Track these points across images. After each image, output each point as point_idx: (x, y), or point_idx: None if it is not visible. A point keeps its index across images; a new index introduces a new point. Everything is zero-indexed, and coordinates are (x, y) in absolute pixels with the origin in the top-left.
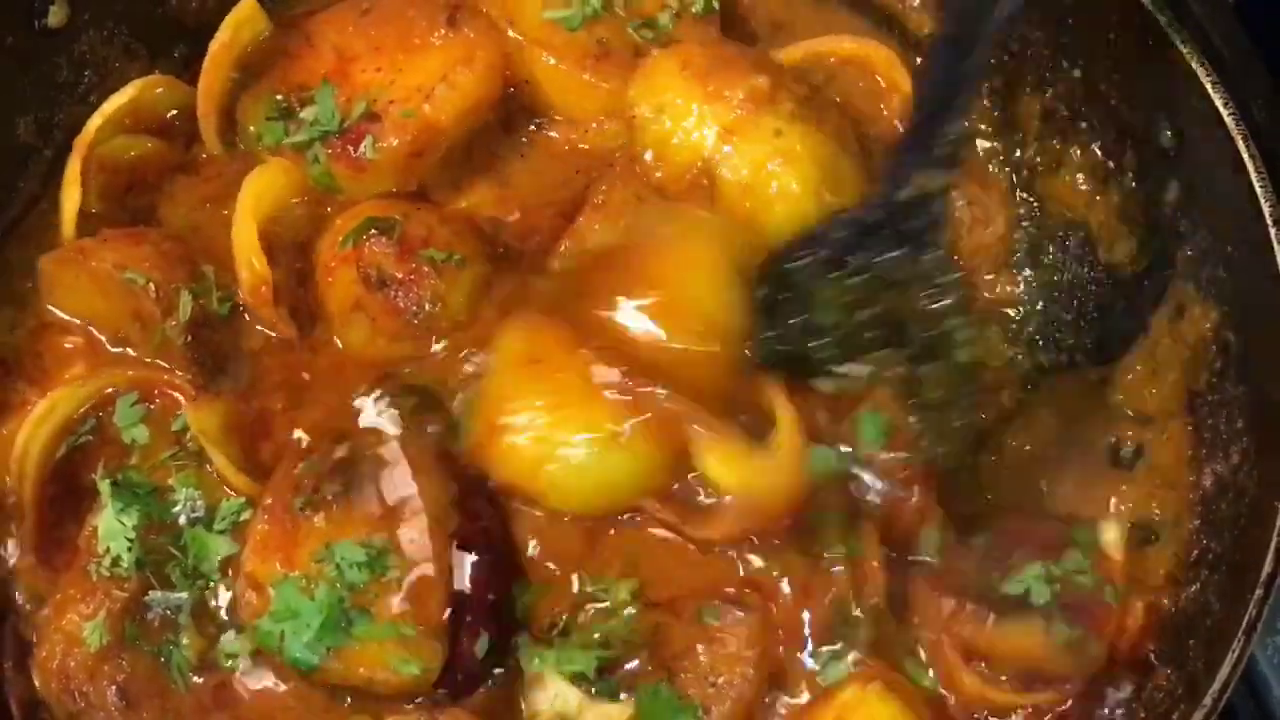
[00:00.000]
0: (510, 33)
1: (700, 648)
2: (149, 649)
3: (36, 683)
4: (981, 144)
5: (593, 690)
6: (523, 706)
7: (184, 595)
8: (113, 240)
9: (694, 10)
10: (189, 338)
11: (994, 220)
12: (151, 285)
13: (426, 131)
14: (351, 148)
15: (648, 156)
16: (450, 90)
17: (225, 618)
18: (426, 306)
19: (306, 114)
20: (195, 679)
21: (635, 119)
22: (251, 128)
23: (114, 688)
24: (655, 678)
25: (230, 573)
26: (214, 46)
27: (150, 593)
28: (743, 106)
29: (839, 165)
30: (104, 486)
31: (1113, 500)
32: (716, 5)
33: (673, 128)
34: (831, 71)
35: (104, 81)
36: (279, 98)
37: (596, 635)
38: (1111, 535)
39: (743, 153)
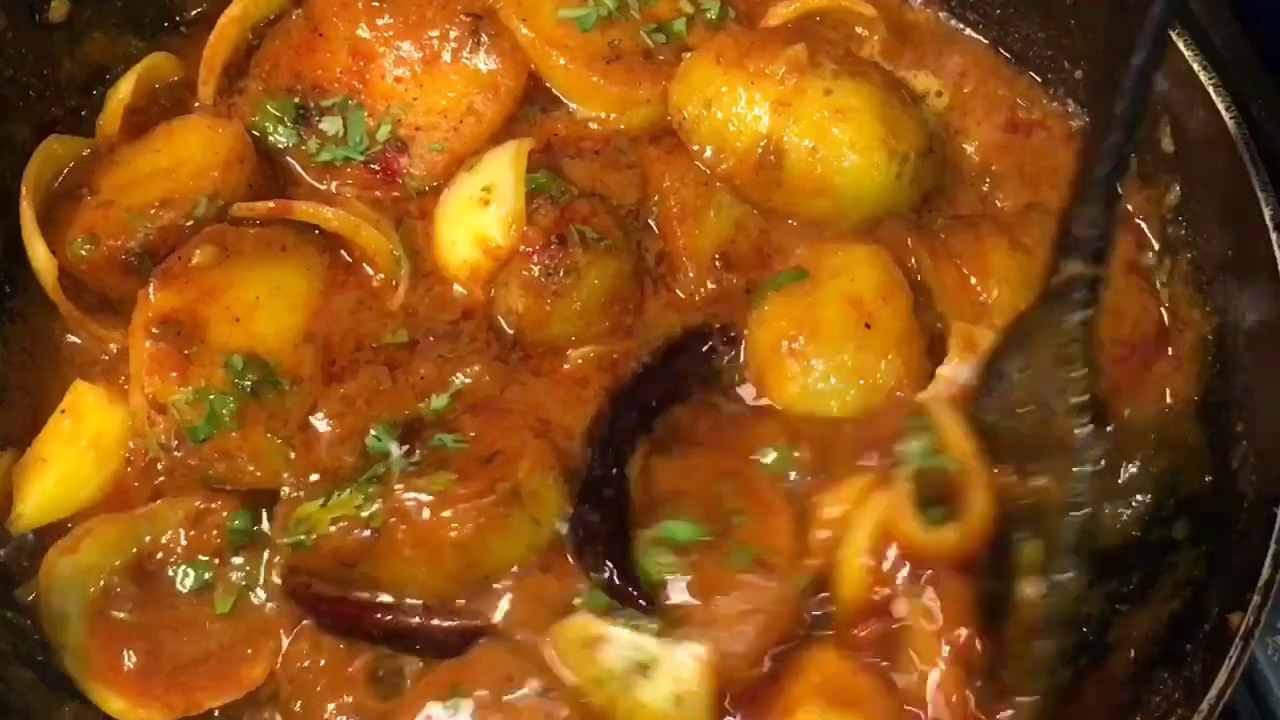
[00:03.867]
0: (524, 30)
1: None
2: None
3: None
4: None
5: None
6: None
7: None
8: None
9: (709, 16)
10: None
11: None
12: None
13: (452, 163)
14: (380, 175)
15: (708, 152)
16: (477, 123)
17: None
18: (562, 274)
19: (327, 126)
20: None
21: (685, 120)
22: (257, 119)
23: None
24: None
25: None
26: (224, 19)
27: None
28: (787, 77)
29: (895, 113)
30: None
31: None
32: (731, 14)
33: (725, 118)
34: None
35: (104, 76)
36: (296, 101)
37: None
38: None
39: (800, 119)
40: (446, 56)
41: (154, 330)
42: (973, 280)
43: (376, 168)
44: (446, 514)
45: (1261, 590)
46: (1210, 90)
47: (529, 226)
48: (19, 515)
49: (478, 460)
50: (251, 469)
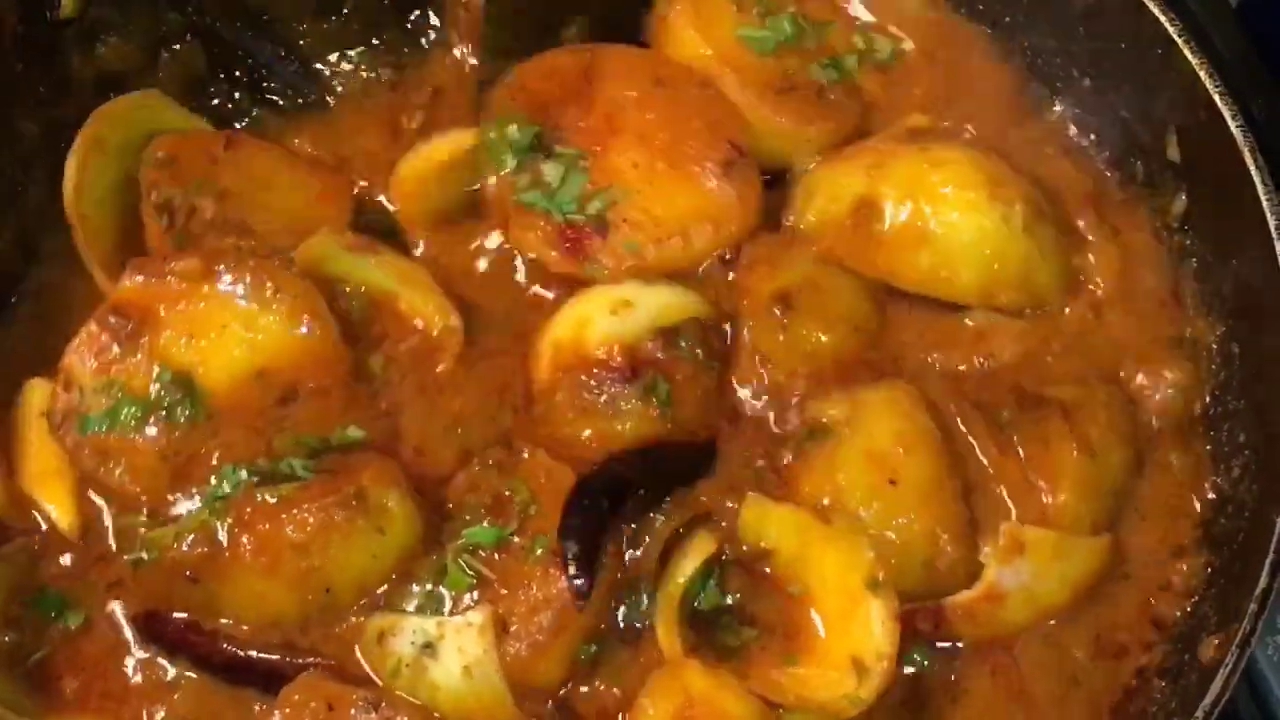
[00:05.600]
0: (702, 49)
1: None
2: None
3: None
4: None
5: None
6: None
7: None
8: None
9: (878, 57)
10: None
11: None
12: None
13: (637, 269)
14: (568, 246)
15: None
16: (682, 247)
17: None
18: (602, 401)
19: (547, 170)
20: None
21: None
22: (492, 136)
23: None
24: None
25: None
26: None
27: None
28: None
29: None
30: None
31: None
32: (908, 48)
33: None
34: None
35: (115, 72)
36: (537, 129)
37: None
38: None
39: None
40: (691, 166)
41: (102, 312)
42: (1040, 483)
43: (570, 235)
44: (287, 515)
45: (1259, 598)
46: (1216, 99)
47: (624, 349)
48: (70, 525)
49: (326, 474)
50: (121, 478)
